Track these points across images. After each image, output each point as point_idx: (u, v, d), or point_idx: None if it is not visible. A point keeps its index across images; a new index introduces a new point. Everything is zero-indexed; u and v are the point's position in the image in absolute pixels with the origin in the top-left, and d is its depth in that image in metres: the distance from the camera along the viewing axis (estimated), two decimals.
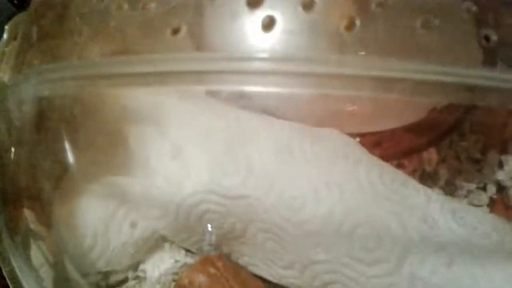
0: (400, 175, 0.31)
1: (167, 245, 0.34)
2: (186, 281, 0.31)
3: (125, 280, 0.33)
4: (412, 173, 0.41)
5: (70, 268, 0.31)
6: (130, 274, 0.33)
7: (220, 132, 0.30)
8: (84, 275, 0.31)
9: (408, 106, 0.39)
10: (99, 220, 0.31)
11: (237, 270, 0.32)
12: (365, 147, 0.37)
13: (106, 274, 0.32)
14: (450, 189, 0.41)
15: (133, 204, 0.32)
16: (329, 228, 0.28)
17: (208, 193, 0.30)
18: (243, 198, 0.29)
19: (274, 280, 0.32)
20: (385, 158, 0.40)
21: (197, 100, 0.32)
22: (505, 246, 0.28)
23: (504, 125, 0.41)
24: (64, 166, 0.32)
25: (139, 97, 0.31)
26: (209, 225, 0.30)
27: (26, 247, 0.31)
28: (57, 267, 0.31)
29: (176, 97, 0.32)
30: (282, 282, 0.31)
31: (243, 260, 0.33)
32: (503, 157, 0.41)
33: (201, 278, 0.31)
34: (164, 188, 0.31)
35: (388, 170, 0.31)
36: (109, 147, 0.32)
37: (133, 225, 0.32)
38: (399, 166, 0.42)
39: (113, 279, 0.32)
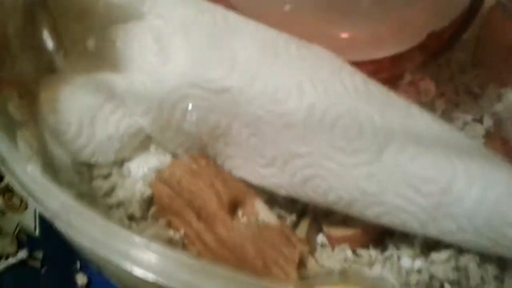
0: (379, 84, 0.31)
1: (153, 147, 0.34)
2: (167, 173, 0.31)
3: (108, 175, 0.33)
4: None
5: (57, 153, 0.31)
6: (115, 170, 0.33)
7: (205, 26, 0.30)
8: (71, 157, 0.31)
9: (405, 32, 0.39)
10: (86, 109, 0.31)
11: (220, 170, 0.32)
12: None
13: (90, 167, 0.33)
14: (446, 120, 0.40)
15: (119, 100, 0.32)
16: (311, 120, 0.28)
17: (191, 87, 0.30)
18: (227, 91, 0.29)
19: (256, 181, 0.32)
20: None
21: None
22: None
23: (505, 60, 0.40)
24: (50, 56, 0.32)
25: None
26: (190, 104, 0.30)
27: (11, 137, 0.31)
28: (44, 154, 0.31)
29: None
30: (264, 182, 0.31)
31: (227, 164, 0.33)
32: (502, 90, 0.40)
33: (182, 172, 0.31)
34: (147, 83, 0.31)
35: (372, 81, 0.30)
36: (97, 44, 0.33)
37: (119, 120, 0.32)
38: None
39: (97, 172, 0.33)
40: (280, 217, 0.33)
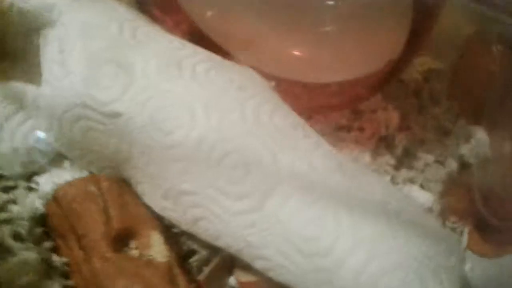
0: (296, 118, 0.27)
1: (67, 163, 0.32)
2: (60, 193, 0.28)
3: (13, 187, 0.31)
4: (370, 137, 0.37)
5: None
6: (21, 183, 0.31)
7: (107, 37, 0.27)
8: None
9: (363, 57, 0.35)
10: None
11: (122, 194, 0.29)
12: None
13: None
14: (406, 159, 0.36)
15: (29, 111, 0.30)
16: (198, 155, 0.25)
17: (85, 108, 0.27)
18: (118, 117, 0.27)
19: (159, 212, 0.28)
20: (330, 108, 0.36)
21: None
22: (389, 206, 0.24)
23: (480, 94, 0.35)
24: None
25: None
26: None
27: None
28: None
29: None
30: (165, 214, 0.28)
31: (138, 188, 0.30)
32: (473, 128, 0.35)
33: (75, 193, 0.28)
34: (49, 98, 0.28)
35: (285, 112, 0.27)
36: (13, 51, 0.31)
37: (27, 132, 0.30)
38: (360, 129, 0.38)
39: (1, 183, 0.31)
40: (191, 251, 0.30)
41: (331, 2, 0.33)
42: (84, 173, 0.32)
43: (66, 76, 0.28)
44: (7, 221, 0.29)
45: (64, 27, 0.28)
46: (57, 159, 0.32)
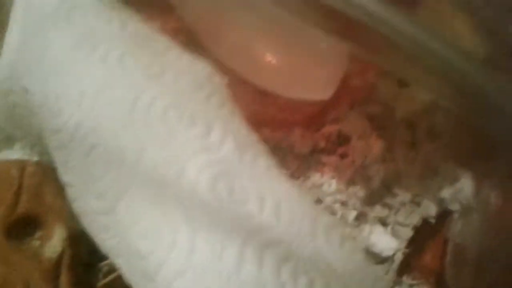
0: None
1: (17, 145, 0.32)
2: None
3: None
4: (349, 165, 0.33)
5: None
6: None
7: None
8: None
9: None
10: None
11: (43, 183, 0.28)
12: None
13: None
14: (381, 194, 0.31)
15: None
16: (73, 144, 0.23)
17: (11, 80, 0.26)
18: (27, 93, 0.25)
19: None
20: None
21: None
22: None
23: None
24: None
25: None
26: None
27: None
28: None
29: None
30: None
31: None
32: (460, 171, 0.29)
33: None
34: None
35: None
36: None
37: None
38: (343, 156, 0.34)
39: None
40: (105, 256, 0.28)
41: None
42: (34, 159, 0.32)
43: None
44: None
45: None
46: (8, 140, 0.32)
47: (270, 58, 0.32)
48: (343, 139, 0.34)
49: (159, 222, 0.20)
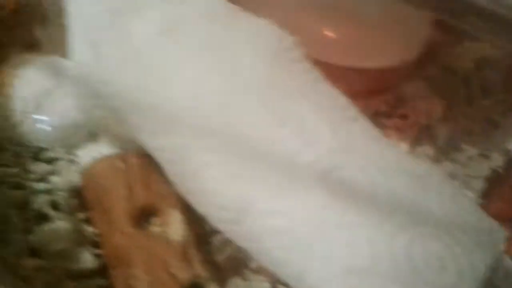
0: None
1: (104, 139, 0.33)
2: (93, 168, 0.30)
3: (55, 159, 0.33)
4: (412, 125, 0.35)
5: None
6: (63, 155, 0.33)
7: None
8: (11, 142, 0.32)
9: (401, 43, 0.33)
10: (32, 96, 0.31)
11: (150, 172, 0.30)
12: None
13: (40, 148, 0.33)
14: (448, 151, 0.34)
15: (70, 86, 0.31)
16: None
17: None
18: None
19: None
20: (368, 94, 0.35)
21: None
22: None
23: None
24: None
25: None
26: None
27: None
28: None
29: None
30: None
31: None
32: None
33: (105, 168, 0.30)
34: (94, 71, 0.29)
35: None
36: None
37: (66, 108, 0.32)
38: (402, 117, 0.36)
39: (44, 154, 0.33)
40: (213, 232, 0.31)
41: None
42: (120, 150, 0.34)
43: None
44: (47, 191, 0.31)
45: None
46: (95, 135, 0.34)
47: (328, 32, 0.34)
48: (401, 102, 0.36)
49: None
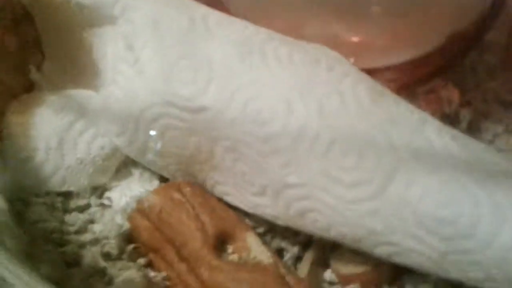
0: (392, 94, 0.26)
1: (137, 172, 0.31)
2: (146, 205, 0.27)
3: (87, 207, 0.29)
4: (433, 115, 0.36)
5: (21, 186, 0.28)
6: (93, 201, 0.30)
7: (179, 30, 0.26)
8: (38, 194, 0.28)
9: (422, 34, 0.34)
10: (53, 131, 0.28)
11: (207, 198, 0.28)
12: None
13: (66, 197, 0.29)
14: (473, 134, 0.35)
15: (91, 118, 0.29)
16: (301, 145, 0.24)
17: (166, 105, 0.26)
18: (203, 111, 0.25)
19: (249, 210, 0.27)
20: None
21: None
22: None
23: None
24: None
25: None
26: (152, 132, 0.26)
27: None
28: (11, 186, 0.28)
29: None
30: (258, 211, 0.27)
31: (217, 190, 0.28)
32: None
33: (162, 203, 0.27)
34: (122, 99, 0.27)
35: (379, 87, 0.26)
36: (71, 55, 0.29)
37: (90, 141, 0.29)
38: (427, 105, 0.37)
39: (74, 203, 0.29)
40: (280, 250, 0.29)
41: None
42: (155, 183, 0.31)
43: (140, 74, 0.26)
44: (93, 242, 0.27)
45: (130, 23, 0.27)
46: (123, 169, 0.31)
47: (347, 36, 0.35)
48: (414, 97, 0.37)
49: (452, 190, 0.22)
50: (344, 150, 0.23)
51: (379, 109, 0.24)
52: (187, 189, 0.28)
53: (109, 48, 0.28)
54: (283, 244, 0.29)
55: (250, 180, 0.26)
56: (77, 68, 0.30)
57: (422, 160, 0.23)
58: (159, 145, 0.27)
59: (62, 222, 0.28)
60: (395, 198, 0.22)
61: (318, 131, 0.23)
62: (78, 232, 0.28)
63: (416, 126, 0.24)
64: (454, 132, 0.25)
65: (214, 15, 0.27)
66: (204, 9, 0.27)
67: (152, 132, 0.26)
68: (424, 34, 0.34)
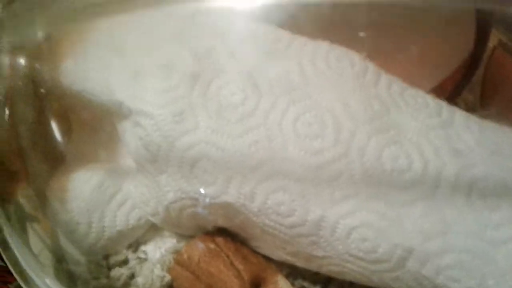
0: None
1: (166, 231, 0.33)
2: (185, 256, 0.30)
3: (125, 261, 0.32)
4: None
5: (69, 248, 0.30)
6: (131, 255, 0.32)
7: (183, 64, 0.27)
8: (84, 253, 0.30)
9: (417, 73, 0.37)
10: (94, 206, 0.30)
11: (238, 246, 0.31)
12: None
13: (106, 255, 0.32)
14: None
15: (128, 192, 0.31)
16: (323, 232, 0.27)
17: (191, 200, 0.28)
18: (226, 205, 0.28)
19: (280, 260, 0.30)
20: None
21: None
22: None
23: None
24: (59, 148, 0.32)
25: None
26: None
27: (22, 230, 0.30)
28: (55, 249, 0.30)
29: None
30: (289, 262, 0.30)
31: (248, 242, 0.31)
32: None
33: (200, 253, 0.30)
34: (150, 186, 0.30)
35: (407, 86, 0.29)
36: (95, 126, 0.32)
37: (128, 212, 0.31)
38: None
39: (113, 259, 0.32)
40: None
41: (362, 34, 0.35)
42: (185, 237, 0.34)
43: (162, 173, 0.29)
44: None
45: (142, 129, 0.28)
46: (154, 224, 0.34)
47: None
48: None
49: None
50: (361, 237, 0.26)
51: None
52: (219, 239, 0.31)
53: (131, 139, 0.29)
54: (306, 283, 0.32)
55: (282, 245, 0.29)
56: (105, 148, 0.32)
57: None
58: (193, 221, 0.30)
59: (108, 277, 0.30)
60: (410, 275, 0.26)
61: (335, 222, 0.26)
62: (124, 286, 0.30)
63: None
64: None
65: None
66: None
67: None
68: (417, 73, 0.37)
